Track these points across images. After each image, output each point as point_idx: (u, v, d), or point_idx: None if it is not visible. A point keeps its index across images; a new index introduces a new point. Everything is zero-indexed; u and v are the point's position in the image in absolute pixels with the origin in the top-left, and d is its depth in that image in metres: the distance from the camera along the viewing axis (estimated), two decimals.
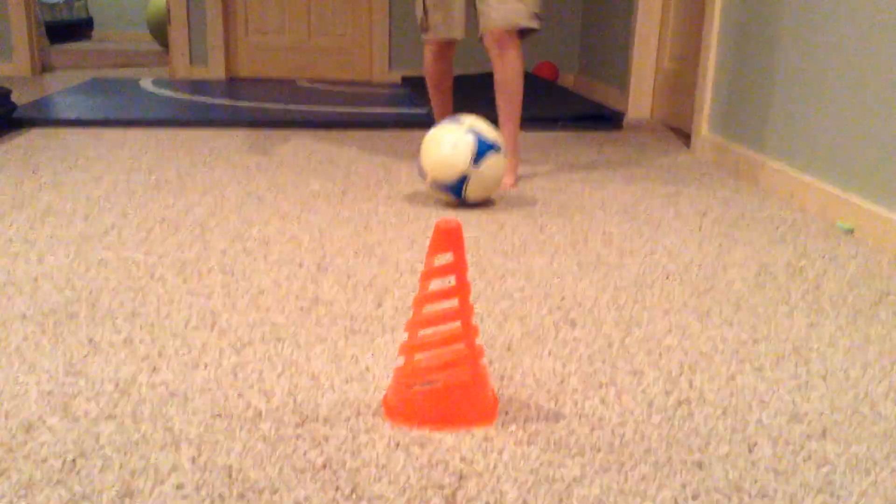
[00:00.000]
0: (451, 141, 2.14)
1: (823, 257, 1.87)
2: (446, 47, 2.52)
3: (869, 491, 0.99)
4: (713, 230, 2.06)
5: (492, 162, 2.15)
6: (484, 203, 2.25)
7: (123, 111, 3.54)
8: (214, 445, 1.05)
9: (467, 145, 2.12)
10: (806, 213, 2.25)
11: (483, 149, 2.13)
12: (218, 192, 2.31)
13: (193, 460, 1.02)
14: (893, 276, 1.75)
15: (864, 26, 2.05)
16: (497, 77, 2.44)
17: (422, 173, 2.21)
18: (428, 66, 2.58)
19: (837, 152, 2.17)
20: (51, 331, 1.38)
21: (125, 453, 1.03)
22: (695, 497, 0.97)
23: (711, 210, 2.26)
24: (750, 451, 1.07)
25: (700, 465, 1.04)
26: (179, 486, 0.97)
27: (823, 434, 1.12)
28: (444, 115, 2.56)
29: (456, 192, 2.18)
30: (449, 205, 2.24)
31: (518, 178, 2.53)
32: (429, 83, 2.63)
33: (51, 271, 1.65)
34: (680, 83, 3.57)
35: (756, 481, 1.01)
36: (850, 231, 2.07)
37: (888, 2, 1.97)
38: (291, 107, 3.82)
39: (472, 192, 2.17)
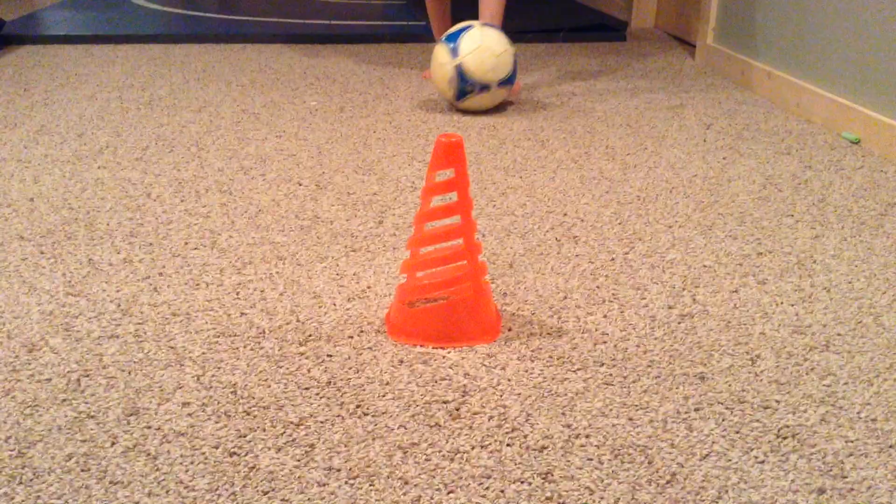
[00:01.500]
0: (440, 74, 2.21)
1: (829, 169, 1.85)
2: None
3: (871, 401, 1.00)
4: (717, 142, 2.03)
5: (475, 101, 2.21)
6: (486, 114, 2.21)
7: (114, 27, 3.45)
8: (218, 364, 1.05)
9: (452, 82, 2.17)
10: (811, 123, 2.21)
11: (463, 89, 2.18)
12: (213, 109, 2.27)
13: (198, 378, 1.02)
14: None
15: None
16: None
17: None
18: None
19: (845, 62, 2.12)
20: (49, 251, 1.37)
21: (129, 372, 1.03)
22: (697, 409, 0.98)
23: (716, 122, 2.22)
24: (752, 363, 1.08)
25: (703, 377, 1.04)
26: (185, 404, 0.97)
27: (826, 346, 1.12)
28: (444, 29, 2.46)
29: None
30: (449, 121, 2.20)
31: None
32: (428, 2, 2.55)
33: (47, 192, 1.63)
34: None
35: (758, 393, 1.01)
36: (857, 141, 2.04)
37: None
38: (286, 20, 3.72)
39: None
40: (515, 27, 3.40)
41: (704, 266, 1.36)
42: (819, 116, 2.21)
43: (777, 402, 1.00)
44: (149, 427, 0.93)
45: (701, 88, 2.61)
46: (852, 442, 0.93)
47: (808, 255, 1.40)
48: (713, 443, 0.92)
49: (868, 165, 1.87)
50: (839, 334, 1.15)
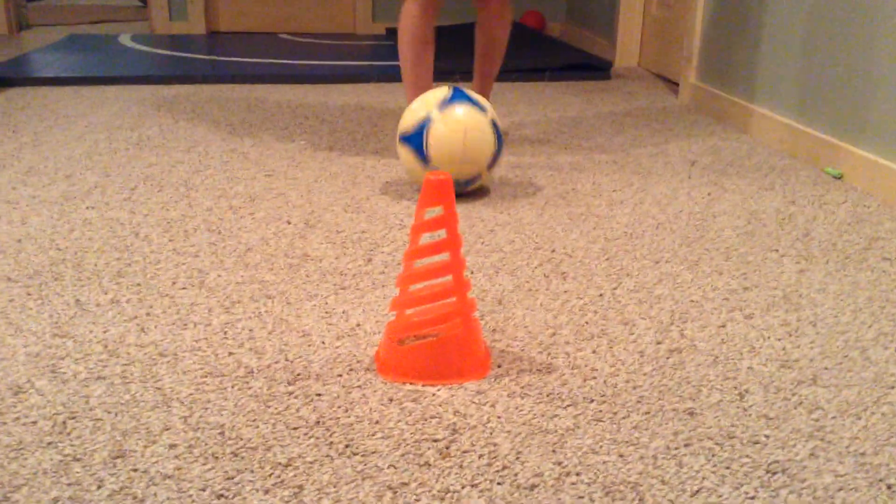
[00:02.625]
0: (414, 176, 1.88)
1: (813, 203, 1.87)
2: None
3: (860, 435, 1.00)
4: (702, 178, 2.05)
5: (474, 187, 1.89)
6: None
7: (103, 68, 3.47)
8: (206, 404, 1.05)
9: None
10: (795, 159, 2.24)
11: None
12: (202, 149, 2.28)
13: (185, 420, 1.01)
14: (882, 222, 1.75)
15: None
16: (489, 35, 2.19)
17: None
18: (412, 22, 2.06)
19: (826, 98, 2.15)
20: (36, 292, 1.36)
21: (116, 414, 1.02)
22: (687, 445, 0.98)
23: (700, 158, 2.24)
24: (741, 398, 1.08)
25: (692, 413, 1.04)
26: (172, 446, 0.96)
27: (814, 380, 1.12)
28: (424, 88, 2.09)
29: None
30: None
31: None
32: (409, 47, 2.08)
33: (34, 232, 1.63)
34: (668, 31, 3.53)
35: (747, 428, 1.01)
36: (839, 177, 2.06)
37: None
38: (274, 61, 3.76)
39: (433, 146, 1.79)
40: (502, 67, 3.45)
41: (692, 301, 1.36)
42: (802, 152, 2.24)
43: (766, 436, 1.00)
44: (135, 470, 0.92)
45: (685, 125, 2.65)
46: (842, 476, 0.93)
47: (794, 290, 1.41)
48: (703, 479, 0.92)
49: (851, 200, 1.90)
50: (826, 368, 1.16)
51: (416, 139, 1.81)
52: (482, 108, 1.84)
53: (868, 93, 1.99)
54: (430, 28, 2.08)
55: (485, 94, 2.28)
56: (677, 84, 3.18)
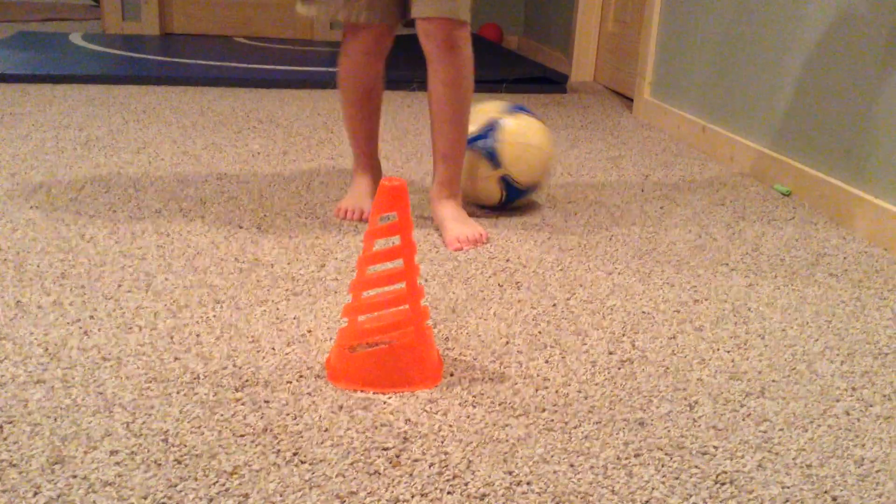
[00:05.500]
0: (480, 188, 1.81)
1: (762, 219, 1.90)
2: (387, 34, 1.67)
3: (806, 447, 1.01)
4: (655, 192, 2.08)
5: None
6: (430, 161, 2.22)
7: (52, 66, 3.39)
8: (149, 410, 1.02)
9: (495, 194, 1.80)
10: (745, 176, 2.28)
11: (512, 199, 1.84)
12: (152, 150, 2.23)
13: (127, 426, 0.98)
14: (829, 238, 1.79)
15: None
16: (441, 79, 1.59)
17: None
18: (354, 66, 1.70)
19: (775, 117, 2.20)
20: None
21: (55, 419, 0.99)
22: (637, 455, 0.98)
23: (653, 173, 2.27)
24: (691, 409, 1.08)
25: (642, 423, 1.05)
26: (113, 452, 0.93)
27: (762, 392, 1.14)
28: (368, 139, 1.80)
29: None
30: (393, 167, 2.21)
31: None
32: (351, 94, 1.73)
33: None
34: (623, 47, 3.57)
35: (697, 439, 1.02)
36: (788, 194, 2.11)
37: None
38: (229, 64, 3.71)
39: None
40: None
41: (643, 312, 1.37)
42: (752, 169, 2.29)
43: (715, 448, 1.00)
44: (74, 476, 0.89)
45: (639, 140, 2.68)
46: (788, 488, 0.94)
47: (743, 303, 1.43)
48: (653, 489, 0.92)
49: (799, 217, 1.94)
50: (774, 381, 1.17)
51: (483, 137, 1.75)
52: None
53: (815, 113, 2.03)
54: (376, 72, 1.71)
55: (446, 194, 1.69)
56: (632, 99, 3.23)
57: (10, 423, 0.98)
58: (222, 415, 1.02)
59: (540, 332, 1.28)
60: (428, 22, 1.55)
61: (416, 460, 0.95)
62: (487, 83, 3.41)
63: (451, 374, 1.14)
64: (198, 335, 1.21)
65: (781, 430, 1.05)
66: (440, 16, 1.54)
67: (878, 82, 1.81)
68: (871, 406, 1.12)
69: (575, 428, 1.03)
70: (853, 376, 1.19)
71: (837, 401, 1.13)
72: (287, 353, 1.18)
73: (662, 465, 0.96)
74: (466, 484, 0.91)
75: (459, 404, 1.07)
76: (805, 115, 2.08)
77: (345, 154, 2.29)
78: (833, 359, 1.25)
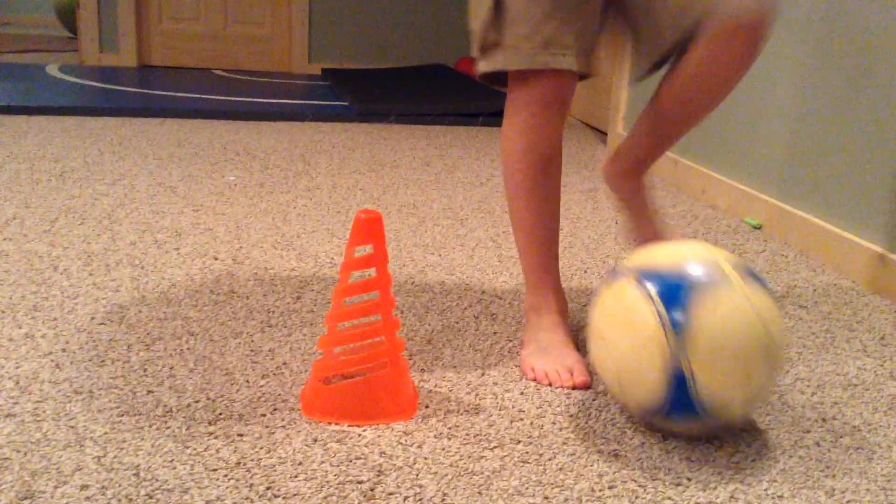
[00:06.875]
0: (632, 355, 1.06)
1: (733, 252, 1.93)
2: (571, 86, 1.27)
3: (778, 478, 1.02)
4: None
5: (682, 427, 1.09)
6: (406, 191, 2.23)
7: (27, 98, 3.38)
8: (121, 444, 1.01)
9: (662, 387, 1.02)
10: (716, 209, 2.32)
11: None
12: (128, 182, 2.23)
13: (99, 460, 0.97)
14: (799, 270, 1.82)
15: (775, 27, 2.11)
16: (715, 71, 1.34)
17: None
18: (533, 136, 1.28)
19: (746, 151, 2.24)
20: None
21: (25, 454, 0.98)
22: (611, 487, 0.98)
23: None
24: (664, 440, 1.09)
25: (616, 455, 1.05)
26: (84, 487, 0.92)
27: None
28: (552, 242, 1.36)
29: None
30: (370, 198, 2.22)
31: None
32: (530, 171, 1.29)
33: None
34: (596, 82, 3.62)
35: (670, 470, 1.02)
36: (758, 227, 2.14)
37: (797, 3, 2.04)
38: (206, 96, 3.72)
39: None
40: (436, 110, 3.49)
41: None
42: (723, 202, 2.32)
43: (688, 479, 1.01)
44: None
45: None
46: None
47: None
48: None
49: (769, 249, 1.97)
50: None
51: (671, 292, 1.02)
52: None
53: (786, 147, 2.07)
54: (559, 135, 1.31)
55: (638, 174, 1.55)
56: (605, 133, 3.27)
57: None
58: (195, 449, 1.01)
59: (515, 364, 1.28)
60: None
61: (390, 493, 0.94)
62: (465, 116, 3.44)
63: (427, 406, 1.14)
64: (171, 368, 1.21)
65: (753, 461, 1.06)
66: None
67: (843, 117, 1.85)
68: (841, 437, 1.13)
69: (549, 460, 1.03)
70: (823, 407, 1.21)
71: (808, 431, 1.14)
72: (262, 386, 1.17)
73: (636, 497, 0.96)
74: None
75: (434, 436, 1.07)
76: (775, 150, 2.12)
77: (321, 186, 2.30)
78: (804, 389, 1.26)
